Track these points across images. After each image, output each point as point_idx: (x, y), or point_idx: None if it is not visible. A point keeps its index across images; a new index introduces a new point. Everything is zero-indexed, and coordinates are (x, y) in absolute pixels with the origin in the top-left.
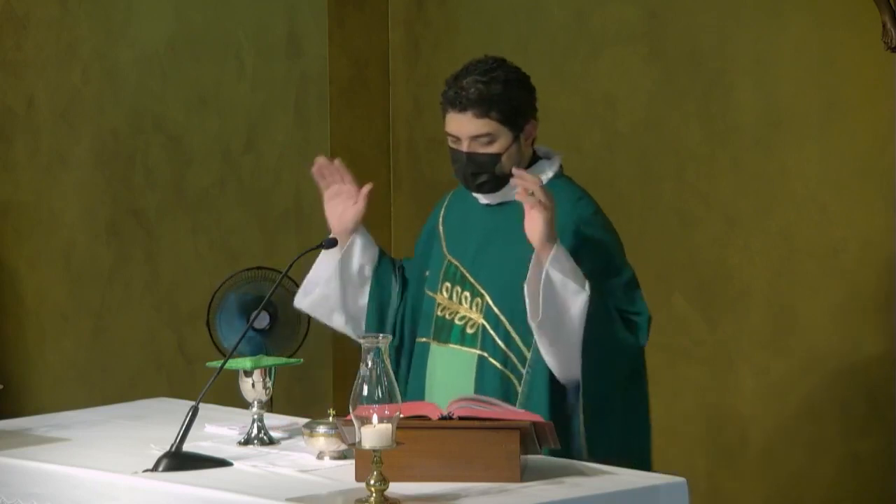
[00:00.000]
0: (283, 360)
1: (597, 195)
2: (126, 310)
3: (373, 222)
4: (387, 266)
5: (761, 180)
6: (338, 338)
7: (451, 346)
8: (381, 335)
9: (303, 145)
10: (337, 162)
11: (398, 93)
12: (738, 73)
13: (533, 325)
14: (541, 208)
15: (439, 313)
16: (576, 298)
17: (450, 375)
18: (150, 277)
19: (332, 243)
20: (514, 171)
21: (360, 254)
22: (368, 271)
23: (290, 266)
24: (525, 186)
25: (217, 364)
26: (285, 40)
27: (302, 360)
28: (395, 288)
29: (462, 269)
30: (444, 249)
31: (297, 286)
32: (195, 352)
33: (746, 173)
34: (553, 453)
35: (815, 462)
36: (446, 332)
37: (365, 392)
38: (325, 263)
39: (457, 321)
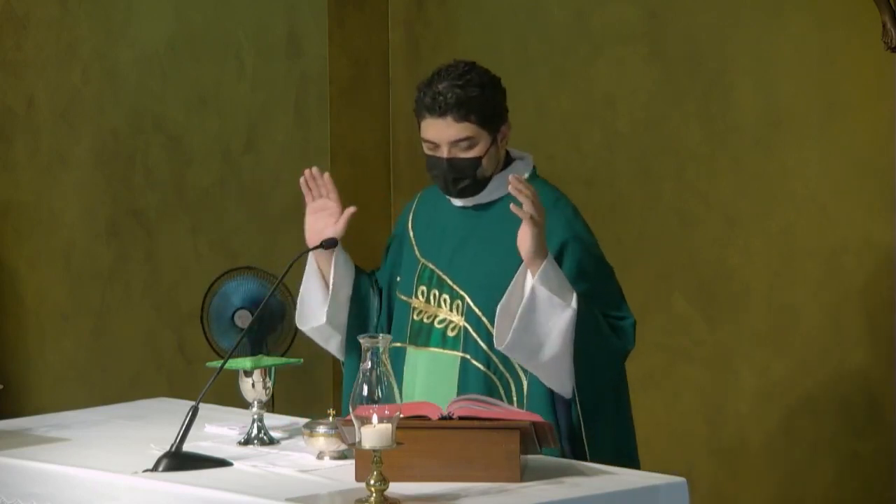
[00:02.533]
0: (283, 360)
1: (597, 195)
2: (126, 310)
3: (373, 223)
4: (365, 283)
5: (761, 180)
6: None
7: (432, 349)
8: (381, 335)
9: (303, 145)
10: (326, 176)
11: (398, 93)
12: (738, 73)
13: (500, 348)
14: (531, 223)
15: (415, 317)
16: (561, 314)
17: (432, 379)
18: (150, 277)
19: (332, 243)
20: (511, 179)
21: (344, 276)
22: (348, 292)
23: (290, 266)
24: (519, 198)
25: (217, 364)
26: (285, 40)
27: (302, 360)
28: (374, 304)
29: (438, 271)
30: (417, 253)
31: (291, 288)
32: (195, 352)
33: (746, 173)
34: (553, 454)
35: (815, 462)
36: (425, 335)
37: (365, 392)
38: (314, 292)
39: (436, 324)
